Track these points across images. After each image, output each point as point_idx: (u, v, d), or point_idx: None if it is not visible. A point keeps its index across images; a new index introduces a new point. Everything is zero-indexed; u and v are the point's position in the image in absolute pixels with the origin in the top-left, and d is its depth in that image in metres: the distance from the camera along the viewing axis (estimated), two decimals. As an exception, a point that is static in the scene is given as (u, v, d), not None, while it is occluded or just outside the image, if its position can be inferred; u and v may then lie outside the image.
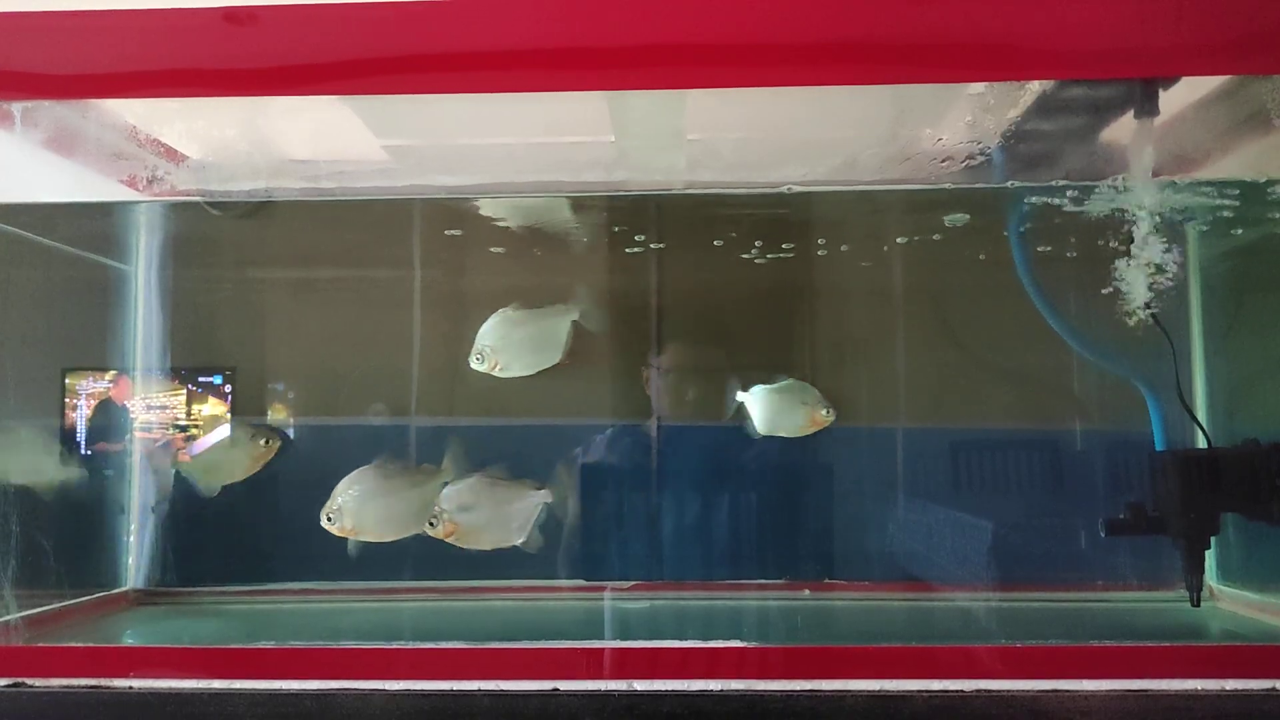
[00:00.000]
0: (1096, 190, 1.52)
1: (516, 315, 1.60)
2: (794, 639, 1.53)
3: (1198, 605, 1.54)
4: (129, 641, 1.64)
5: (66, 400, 1.90)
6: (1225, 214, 1.65)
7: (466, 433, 1.97)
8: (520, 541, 1.48)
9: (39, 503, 1.64)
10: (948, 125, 1.47)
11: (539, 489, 1.50)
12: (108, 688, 1.28)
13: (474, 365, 1.54)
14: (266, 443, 1.56)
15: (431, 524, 1.42)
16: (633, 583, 1.86)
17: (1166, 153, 1.50)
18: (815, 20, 1.24)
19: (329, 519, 1.41)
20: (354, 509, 1.40)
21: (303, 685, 1.26)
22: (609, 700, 1.23)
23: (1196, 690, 1.22)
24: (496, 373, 1.54)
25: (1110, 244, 1.49)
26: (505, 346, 1.56)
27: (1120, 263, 1.48)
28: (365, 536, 1.43)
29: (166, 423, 1.93)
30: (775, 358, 2.00)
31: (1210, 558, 1.75)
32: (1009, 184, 1.56)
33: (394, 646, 1.32)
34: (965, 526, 1.80)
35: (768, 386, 1.72)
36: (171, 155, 1.61)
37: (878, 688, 1.23)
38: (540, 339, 1.59)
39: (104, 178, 1.67)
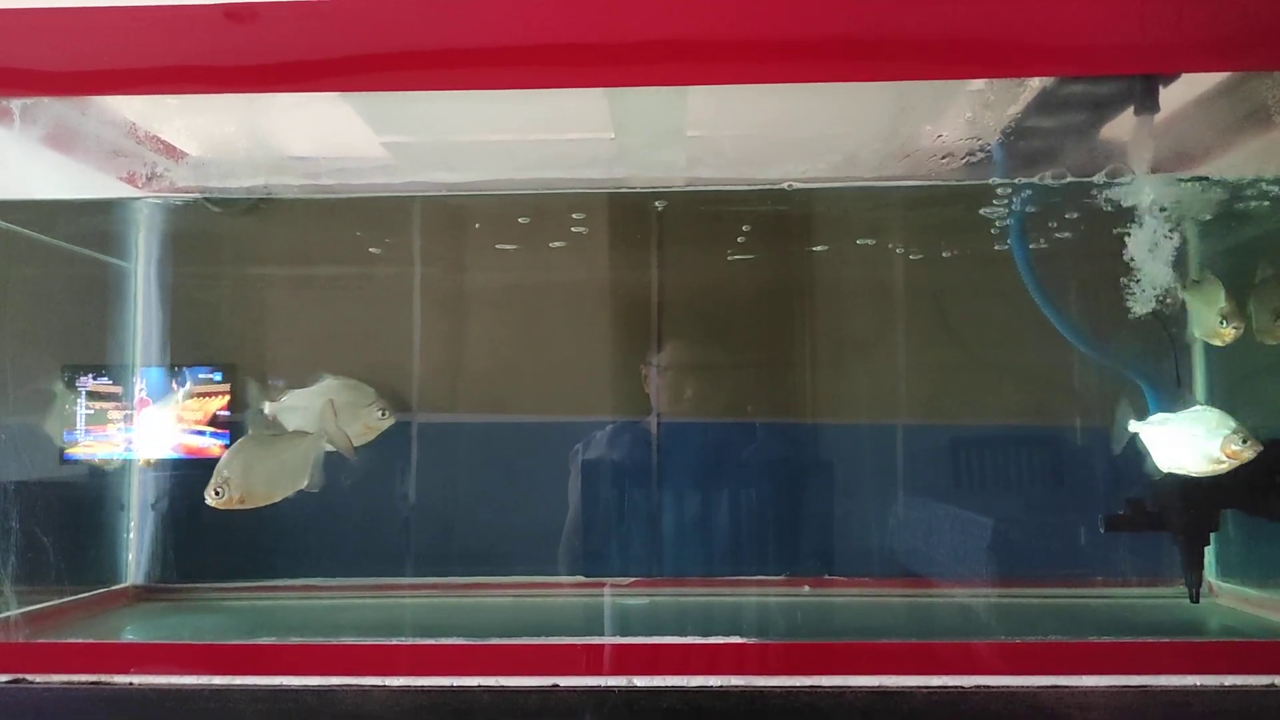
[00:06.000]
0: (1096, 186, 1.52)
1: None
2: (794, 635, 1.54)
3: (1197, 601, 1.54)
4: (129, 637, 1.64)
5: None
6: (1225, 210, 1.65)
7: (470, 430, 1.98)
8: (305, 485, 1.48)
9: (39, 499, 1.64)
10: (948, 122, 1.47)
11: (312, 435, 1.51)
12: (108, 684, 1.28)
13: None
14: (383, 414, 1.57)
15: (217, 493, 1.41)
16: (633, 579, 1.86)
17: (1167, 149, 1.50)
18: (816, 16, 1.24)
19: (216, 493, 1.41)
20: (240, 479, 1.41)
21: (303, 681, 1.27)
22: (609, 696, 1.23)
23: (1195, 686, 1.23)
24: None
25: (1110, 240, 1.49)
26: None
27: (1120, 259, 1.48)
28: (254, 503, 1.43)
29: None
30: (774, 355, 2.00)
31: (1210, 554, 1.75)
32: (1009, 180, 1.56)
33: (394, 643, 1.32)
34: (965, 523, 1.80)
35: (1173, 415, 1.47)
36: (171, 152, 1.61)
37: (878, 683, 1.24)
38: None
39: (103, 175, 1.67)
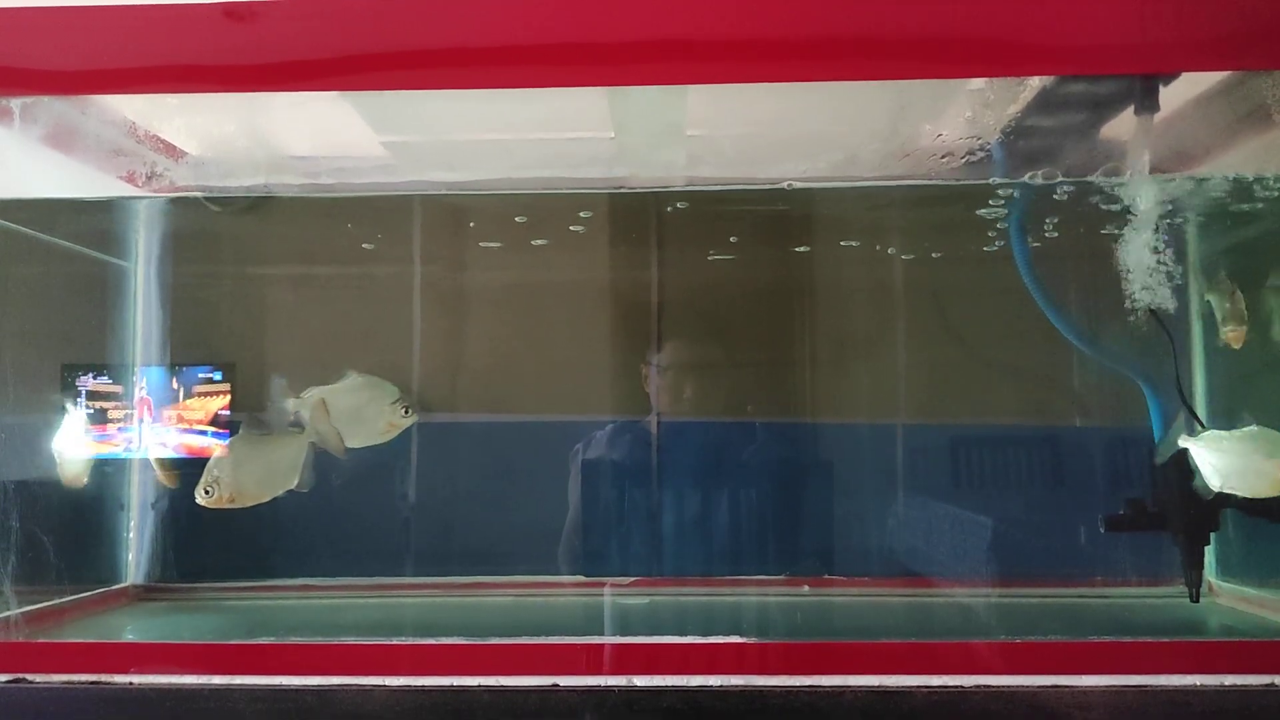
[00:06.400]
0: (1096, 186, 1.52)
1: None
2: (794, 635, 1.54)
3: (1197, 601, 1.54)
4: (129, 637, 1.64)
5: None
6: (1224, 209, 1.65)
7: (470, 429, 1.98)
8: (295, 485, 1.49)
9: (39, 498, 1.64)
10: (948, 121, 1.47)
11: (301, 434, 1.52)
12: (108, 683, 1.28)
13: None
14: (406, 412, 1.57)
15: (207, 492, 1.42)
16: (633, 579, 1.86)
17: (1166, 148, 1.50)
18: (815, 15, 1.24)
19: (206, 492, 1.42)
20: (230, 478, 1.42)
21: (303, 681, 1.27)
22: (609, 695, 1.23)
23: (1195, 685, 1.22)
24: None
25: (1110, 240, 1.49)
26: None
27: (1119, 259, 1.48)
28: (244, 502, 1.45)
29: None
30: (774, 355, 2.00)
31: (1209, 553, 1.75)
32: (1009, 179, 1.56)
33: (394, 642, 1.32)
34: (964, 522, 1.80)
35: (1225, 433, 1.42)
36: (171, 151, 1.61)
37: (877, 683, 1.24)
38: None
39: (103, 174, 1.67)
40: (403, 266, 2.00)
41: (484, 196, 1.84)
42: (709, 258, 1.94)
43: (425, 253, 1.99)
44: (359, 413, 1.55)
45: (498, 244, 1.94)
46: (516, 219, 1.85)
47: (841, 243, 1.93)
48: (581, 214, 1.84)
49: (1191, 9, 1.22)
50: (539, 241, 1.88)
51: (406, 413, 1.57)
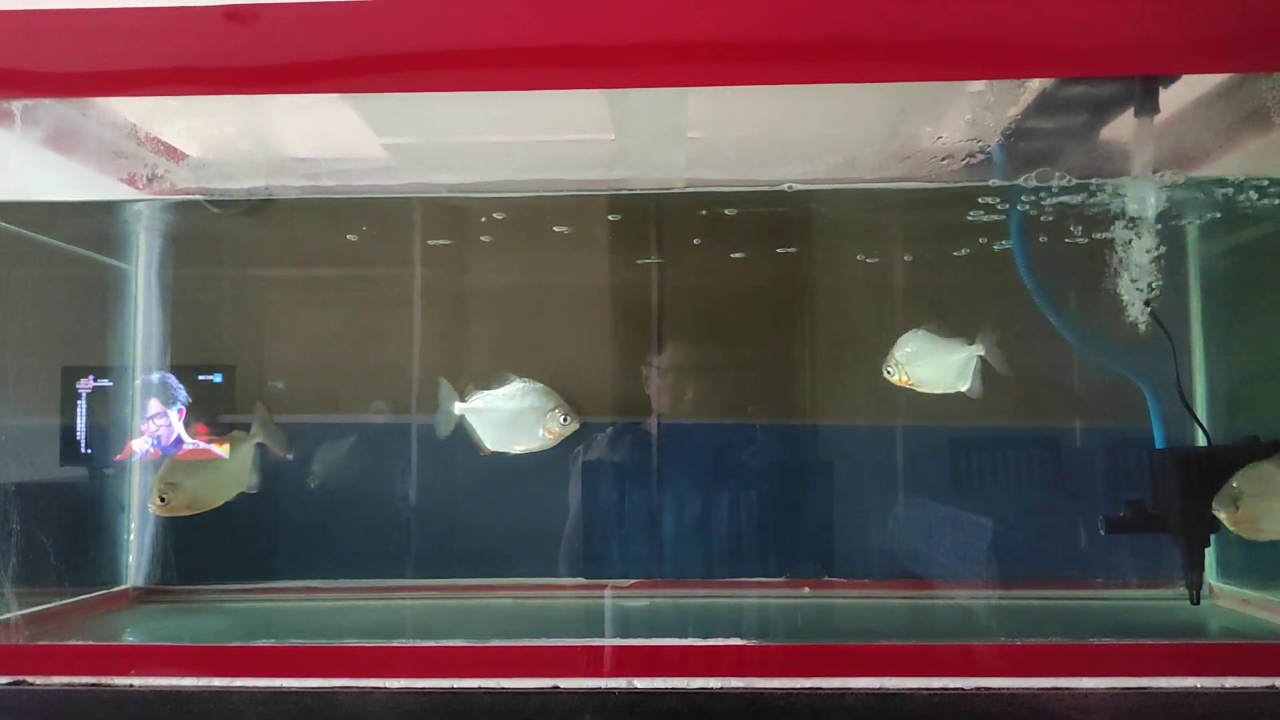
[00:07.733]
0: (1096, 188, 1.52)
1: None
2: (794, 637, 1.54)
3: (1197, 603, 1.54)
4: (130, 640, 1.64)
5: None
6: (1225, 212, 1.65)
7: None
8: (248, 486, 1.55)
9: (39, 501, 1.64)
10: (948, 123, 1.47)
11: (248, 436, 1.58)
12: (109, 686, 1.28)
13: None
14: (566, 419, 1.58)
15: (163, 500, 1.44)
16: (633, 581, 1.86)
17: (1167, 150, 1.50)
18: (815, 18, 1.24)
19: (162, 499, 1.43)
20: (186, 483, 1.43)
21: (303, 683, 1.27)
22: (609, 698, 1.23)
23: (1196, 688, 1.23)
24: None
25: (1110, 242, 1.49)
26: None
27: (1120, 261, 1.48)
28: (200, 507, 1.48)
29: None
30: (775, 356, 2.00)
31: (1210, 555, 1.75)
32: (1009, 182, 1.56)
33: (395, 645, 1.32)
34: (964, 524, 1.80)
35: None
36: (171, 153, 1.61)
37: (878, 685, 1.24)
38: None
39: (104, 176, 1.67)
40: (403, 269, 2.00)
41: (484, 199, 1.84)
42: (714, 260, 1.94)
43: (424, 255, 1.99)
44: (519, 419, 1.56)
45: (499, 246, 1.94)
46: (519, 220, 1.86)
47: (842, 245, 1.93)
48: (581, 216, 1.84)
49: (1191, 11, 1.22)
50: (557, 246, 1.88)
51: (566, 420, 1.57)
